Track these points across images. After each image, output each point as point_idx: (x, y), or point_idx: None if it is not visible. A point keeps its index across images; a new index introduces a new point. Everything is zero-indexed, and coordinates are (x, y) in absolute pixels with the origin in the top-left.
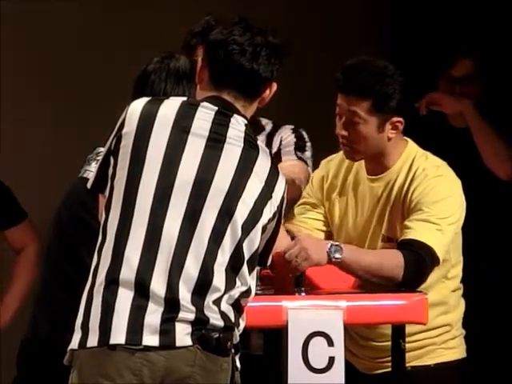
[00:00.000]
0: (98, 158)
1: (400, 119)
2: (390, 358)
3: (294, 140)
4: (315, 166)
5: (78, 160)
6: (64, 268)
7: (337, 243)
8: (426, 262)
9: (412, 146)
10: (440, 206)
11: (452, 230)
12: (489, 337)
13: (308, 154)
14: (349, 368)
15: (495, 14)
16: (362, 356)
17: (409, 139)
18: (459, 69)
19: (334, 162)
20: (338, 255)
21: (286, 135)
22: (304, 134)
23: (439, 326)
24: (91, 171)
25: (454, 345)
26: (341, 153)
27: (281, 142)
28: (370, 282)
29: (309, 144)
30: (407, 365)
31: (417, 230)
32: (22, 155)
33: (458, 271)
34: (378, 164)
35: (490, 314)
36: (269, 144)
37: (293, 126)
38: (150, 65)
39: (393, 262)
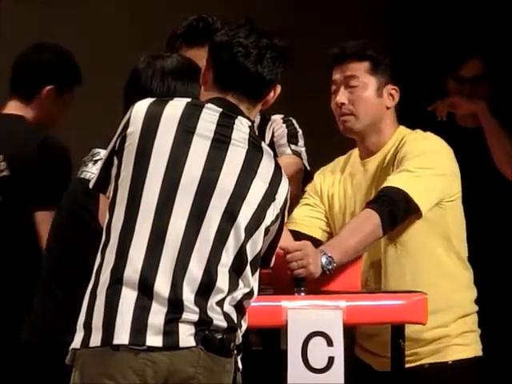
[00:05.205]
0: (94, 159)
1: (395, 87)
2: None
3: (286, 131)
4: (312, 167)
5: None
6: (63, 269)
7: (329, 254)
8: (398, 206)
9: (404, 128)
10: (422, 157)
11: (434, 181)
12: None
13: (301, 143)
14: (366, 368)
15: (503, 14)
16: (376, 352)
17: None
18: (469, 69)
19: (328, 169)
20: (330, 266)
21: (278, 126)
22: (294, 122)
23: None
24: (88, 172)
25: (469, 341)
26: (333, 161)
27: (273, 134)
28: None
29: (300, 132)
30: (424, 362)
31: (392, 180)
32: None
33: (463, 249)
34: (370, 143)
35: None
36: (261, 137)
37: (282, 116)
38: (139, 63)
39: (371, 227)
